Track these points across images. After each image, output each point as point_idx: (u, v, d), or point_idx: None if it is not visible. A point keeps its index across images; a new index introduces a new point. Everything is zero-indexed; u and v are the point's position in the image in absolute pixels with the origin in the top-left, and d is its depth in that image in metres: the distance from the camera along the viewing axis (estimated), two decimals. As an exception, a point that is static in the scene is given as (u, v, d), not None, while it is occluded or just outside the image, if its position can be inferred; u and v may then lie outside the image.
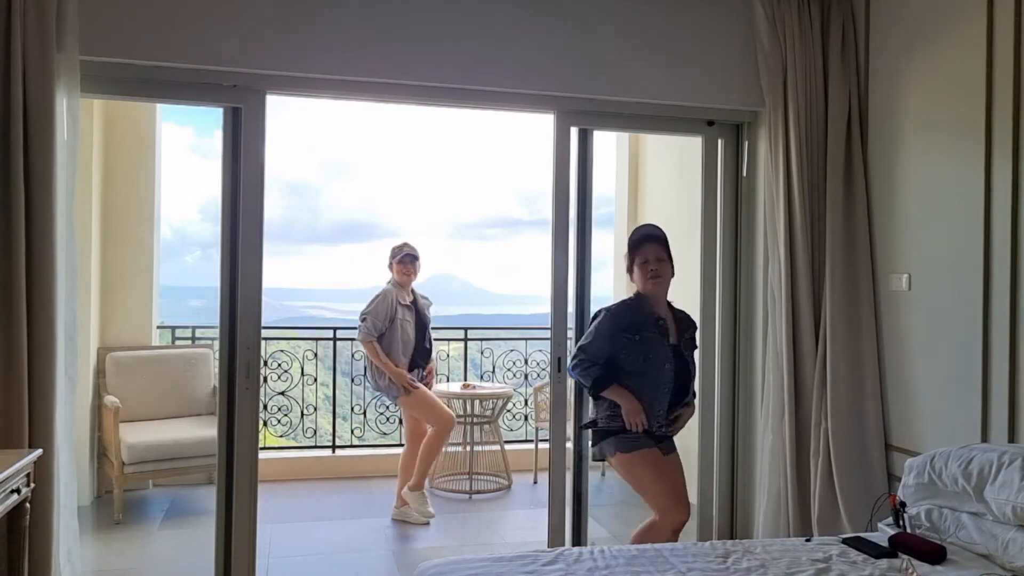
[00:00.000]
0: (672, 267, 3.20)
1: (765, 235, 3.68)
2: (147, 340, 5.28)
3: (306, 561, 4.08)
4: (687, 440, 4.53)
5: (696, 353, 3.29)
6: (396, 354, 4.69)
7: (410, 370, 4.75)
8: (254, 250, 3.26)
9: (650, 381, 3.07)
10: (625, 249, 3.24)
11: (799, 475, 3.52)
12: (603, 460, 3.26)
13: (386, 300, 4.68)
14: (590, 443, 3.28)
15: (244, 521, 3.28)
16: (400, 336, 4.69)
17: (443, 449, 5.07)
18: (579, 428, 3.43)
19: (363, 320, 4.67)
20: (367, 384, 6.08)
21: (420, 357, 4.83)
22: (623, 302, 3.19)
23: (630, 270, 3.19)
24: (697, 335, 3.31)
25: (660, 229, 3.22)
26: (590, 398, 3.22)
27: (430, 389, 4.95)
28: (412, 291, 4.82)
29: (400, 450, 6.00)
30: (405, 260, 4.74)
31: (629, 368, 3.07)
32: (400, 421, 6.15)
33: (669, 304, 3.23)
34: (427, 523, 4.65)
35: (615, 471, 3.30)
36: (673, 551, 2.47)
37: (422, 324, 4.83)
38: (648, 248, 3.14)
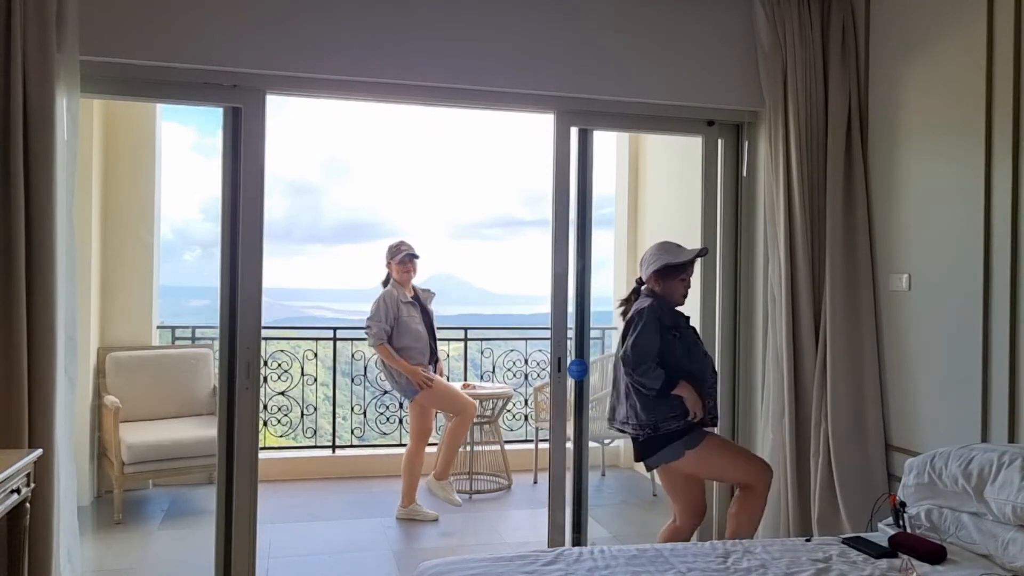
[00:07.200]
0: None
1: (765, 235, 3.68)
2: (147, 340, 5.28)
3: (306, 561, 4.08)
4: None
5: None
6: (410, 352, 4.70)
7: (428, 363, 4.81)
8: (254, 250, 3.27)
9: (697, 373, 3.16)
10: (660, 261, 3.19)
11: (799, 475, 3.52)
12: (656, 468, 3.19)
13: (386, 302, 4.70)
14: (639, 457, 3.17)
15: (244, 521, 3.28)
16: (410, 333, 4.71)
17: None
18: (639, 446, 3.16)
19: (368, 327, 4.69)
20: (367, 384, 6.12)
21: (434, 350, 4.88)
22: (661, 302, 3.20)
23: (669, 280, 3.22)
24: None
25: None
26: (635, 406, 3.09)
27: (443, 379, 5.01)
28: (413, 287, 4.85)
29: (401, 450, 6.03)
30: (405, 260, 4.76)
31: (677, 363, 3.12)
32: (400, 421, 6.16)
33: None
34: (436, 519, 4.70)
35: (674, 474, 3.18)
36: (673, 551, 2.47)
37: (428, 317, 4.86)
38: (691, 268, 3.28)
